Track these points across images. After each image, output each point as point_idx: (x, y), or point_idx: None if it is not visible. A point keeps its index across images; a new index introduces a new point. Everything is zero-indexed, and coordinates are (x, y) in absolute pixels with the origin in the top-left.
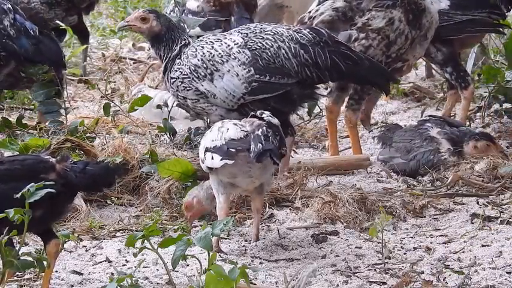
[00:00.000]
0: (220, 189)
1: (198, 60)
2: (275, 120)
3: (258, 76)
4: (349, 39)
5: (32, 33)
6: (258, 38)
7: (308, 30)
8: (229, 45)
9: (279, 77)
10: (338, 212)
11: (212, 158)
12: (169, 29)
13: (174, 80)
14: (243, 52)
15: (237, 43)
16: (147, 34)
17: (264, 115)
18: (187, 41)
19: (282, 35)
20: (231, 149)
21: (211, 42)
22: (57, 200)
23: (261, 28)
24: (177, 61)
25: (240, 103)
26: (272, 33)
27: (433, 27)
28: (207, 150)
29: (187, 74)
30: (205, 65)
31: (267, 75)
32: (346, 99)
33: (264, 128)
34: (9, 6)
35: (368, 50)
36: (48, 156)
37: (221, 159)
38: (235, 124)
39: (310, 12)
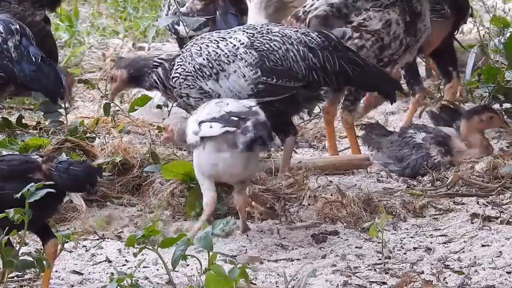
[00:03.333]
0: (206, 183)
1: (204, 59)
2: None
3: (264, 78)
4: (343, 36)
5: (34, 59)
6: (266, 39)
7: (316, 34)
8: (235, 45)
9: (285, 80)
10: (339, 212)
11: (211, 127)
12: (134, 65)
13: (176, 77)
14: (250, 53)
15: (243, 43)
16: (126, 84)
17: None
18: (158, 58)
19: (290, 38)
20: (233, 117)
21: (215, 41)
22: (44, 200)
23: (268, 29)
24: (178, 60)
25: None
26: (280, 35)
27: (426, 33)
28: (202, 122)
29: (190, 72)
30: (210, 64)
31: (274, 78)
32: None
33: (254, 118)
34: (17, 27)
35: (360, 50)
36: (36, 156)
37: (222, 127)
38: (236, 100)
39: (305, 6)
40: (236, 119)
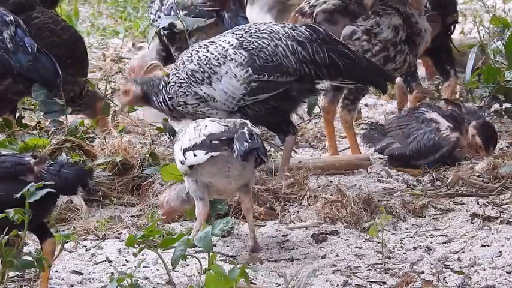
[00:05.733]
0: (199, 193)
1: (195, 64)
2: (256, 130)
3: (256, 76)
4: (352, 34)
5: (30, 50)
6: (254, 38)
7: (304, 27)
8: (224, 47)
9: (277, 75)
10: (339, 212)
11: (195, 155)
12: (148, 83)
13: (172, 86)
14: (239, 53)
15: (232, 44)
16: (138, 101)
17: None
18: (165, 77)
19: (278, 33)
20: (214, 142)
21: (205, 45)
22: (38, 202)
23: (256, 28)
24: (172, 70)
25: (240, 105)
26: (268, 32)
27: (422, 46)
28: (186, 150)
29: (184, 79)
30: (202, 69)
31: (266, 75)
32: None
33: (249, 125)
34: (12, 18)
35: (365, 54)
36: (29, 158)
37: (206, 153)
38: (213, 121)
39: (309, 2)
40: (217, 142)
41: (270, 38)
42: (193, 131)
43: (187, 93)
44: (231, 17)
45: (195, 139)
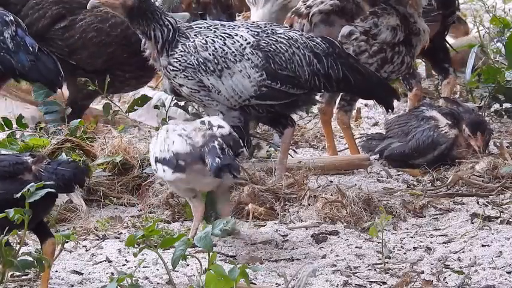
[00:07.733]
0: (188, 194)
1: (209, 54)
2: (225, 130)
3: (269, 82)
4: (349, 35)
5: (31, 49)
6: (272, 40)
7: (321, 39)
8: (241, 44)
9: (289, 86)
10: (339, 212)
11: (164, 171)
12: (142, 1)
13: (175, 68)
14: (256, 54)
15: (249, 42)
16: (121, 9)
17: (214, 128)
18: (174, 23)
19: (296, 41)
20: (180, 162)
21: (221, 37)
22: (35, 201)
23: (272, 29)
24: (180, 47)
25: (243, 104)
26: (286, 38)
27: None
28: (157, 160)
29: (193, 65)
30: (216, 61)
31: (278, 83)
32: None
33: (219, 139)
34: (12, 18)
35: (362, 54)
36: (27, 157)
37: (173, 173)
38: (181, 135)
39: (305, 2)
40: (183, 163)
41: (288, 44)
42: (163, 143)
43: (190, 77)
44: (213, 20)
45: (164, 153)
